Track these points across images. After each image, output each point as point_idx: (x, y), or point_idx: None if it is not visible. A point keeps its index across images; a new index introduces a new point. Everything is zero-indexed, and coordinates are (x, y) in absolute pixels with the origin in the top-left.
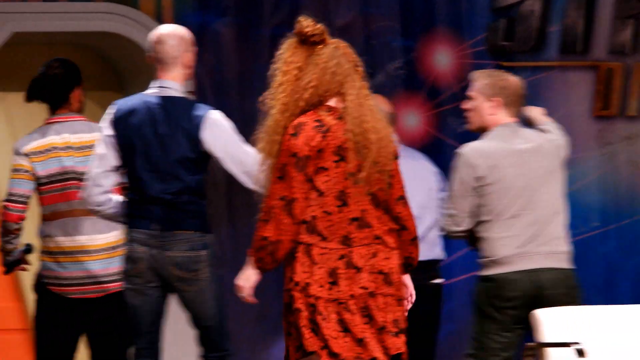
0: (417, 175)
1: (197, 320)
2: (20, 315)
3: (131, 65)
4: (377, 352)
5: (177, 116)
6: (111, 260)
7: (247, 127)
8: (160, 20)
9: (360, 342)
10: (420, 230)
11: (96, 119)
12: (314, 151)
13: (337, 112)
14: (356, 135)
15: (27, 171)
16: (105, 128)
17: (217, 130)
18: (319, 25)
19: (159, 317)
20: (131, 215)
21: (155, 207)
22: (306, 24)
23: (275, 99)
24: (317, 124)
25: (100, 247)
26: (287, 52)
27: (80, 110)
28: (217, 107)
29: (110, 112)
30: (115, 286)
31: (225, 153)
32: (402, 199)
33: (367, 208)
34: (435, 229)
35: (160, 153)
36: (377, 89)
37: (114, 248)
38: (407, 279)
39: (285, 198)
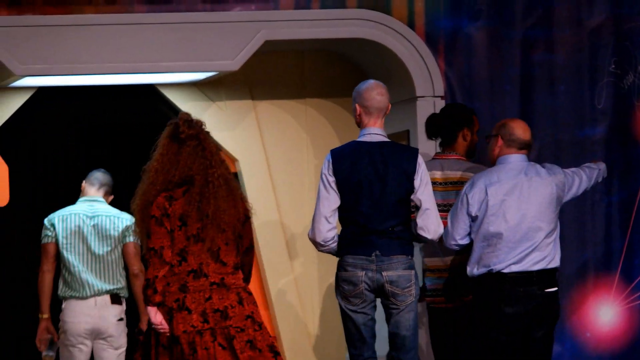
0: (532, 190)
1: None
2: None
3: (382, 70)
4: None
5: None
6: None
7: None
8: (412, 26)
9: None
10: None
11: (348, 126)
12: (165, 213)
13: (184, 189)
14: (195, 207)
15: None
16: (327, 174)
17: (425, 176)
18: (193, 127)
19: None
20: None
21: (376, 237)
22: (181, 129)
23: (149, 174)
24: (168, 194)
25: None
26: (163, 140)
27: (462, 149)
28: None
29: (329, 159)
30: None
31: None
32: (249, 250)
33: (205, 262)
34: (548, 239)
35: (381, 192)
36: (627, 89)
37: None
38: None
39: (153, 248)
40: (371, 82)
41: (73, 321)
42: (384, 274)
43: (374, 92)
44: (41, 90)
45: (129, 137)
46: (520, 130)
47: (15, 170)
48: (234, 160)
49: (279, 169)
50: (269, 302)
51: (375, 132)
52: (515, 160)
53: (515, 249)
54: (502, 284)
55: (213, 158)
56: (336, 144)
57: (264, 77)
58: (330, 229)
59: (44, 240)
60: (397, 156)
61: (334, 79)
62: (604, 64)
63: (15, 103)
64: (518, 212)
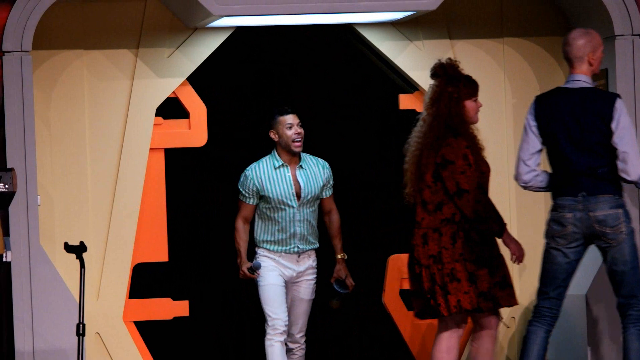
0: None
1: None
2: None
3: (581, 10)
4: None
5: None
6: None
7: None
8: None
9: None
10: None
11: (548, 65)
12: None
13: None
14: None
15: None
16: (529, 119)
17: (623, 120)
18: (435, 72)
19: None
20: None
21: (581, 178)
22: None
23: None
24: None
25: None
26: None
27: None
28: None
29: (533, 104)
30: None
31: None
32: (455, 194)
33: (417, 202)
34: None
35: (580, 136)
36: None
37: None
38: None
39: None
40: (573, 30)
41: None
42: (591, 214)
43: (570, 39)
44: (239, 30)
45: (326, 76)
46: None
47: (213, 111)
48: None
49: None
50: None
51: (577, 79)
52: None
53: None
54: None
55: (433, 103)
56: (534, 83)
57: (462, 16)
58: (528, 172)
59: None
60: (595, 101)
61: (532, 19)
62: None
63: (213, 43)
64: None
